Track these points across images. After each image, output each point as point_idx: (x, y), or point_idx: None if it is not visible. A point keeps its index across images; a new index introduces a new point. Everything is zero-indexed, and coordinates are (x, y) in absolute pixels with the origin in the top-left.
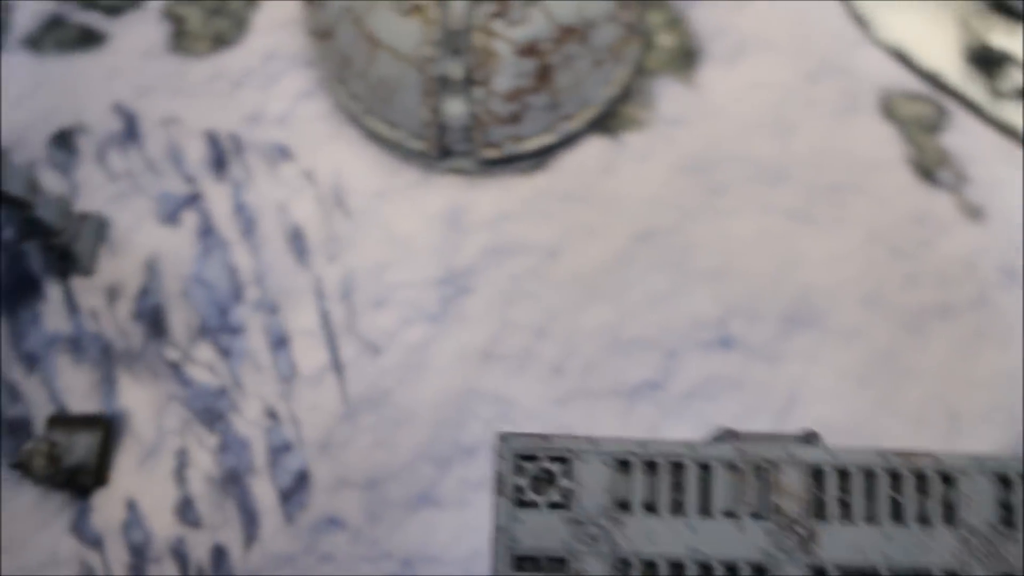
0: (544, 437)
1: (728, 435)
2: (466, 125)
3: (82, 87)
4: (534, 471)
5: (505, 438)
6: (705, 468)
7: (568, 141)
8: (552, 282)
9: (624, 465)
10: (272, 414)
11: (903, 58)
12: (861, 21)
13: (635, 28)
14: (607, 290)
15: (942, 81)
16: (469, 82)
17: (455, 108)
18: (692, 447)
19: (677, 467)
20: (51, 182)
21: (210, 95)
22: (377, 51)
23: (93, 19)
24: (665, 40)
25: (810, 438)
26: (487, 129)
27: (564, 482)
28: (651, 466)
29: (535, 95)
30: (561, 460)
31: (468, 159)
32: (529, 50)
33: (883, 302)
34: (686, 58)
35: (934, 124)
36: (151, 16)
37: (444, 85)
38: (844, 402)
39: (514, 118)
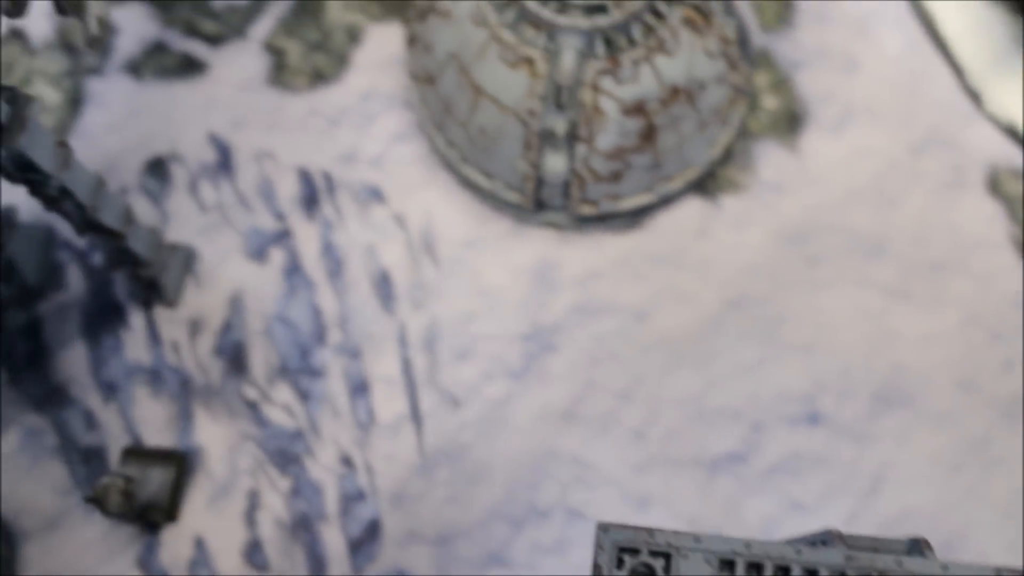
0: (647, 531)
1: (833, 537)
2: (565, 180)
3: (179, 115)
4: (634, 565)
5: (606, 529)
6: (812, 574)
7: (665, 202)
8: (639, 345)
9: (728, 565)
10: (347, 461)
11: (1014, 134)
12: (973, 94)
13: (742, 90)
14: (694, 357)
15: None
16: (572, 138)
17: (556, 163)
18: (800, 551)
19: (783, 570)
20: (142, 209)
21: (305, 131)
22: (480, 100)
23: (195, 48)
24: (769, 102)
25: (919, 546)
26: (585, 186)
27: None
28: (756, 567)
29: (638, 155)
30: (663, 555)
31: (563, 214)
32: (636, 109)
33: (978, 387)
34: (790, 122)
35: None
36: (252, 48)
37: (546, 140)
38: (932, 488)
39: (614, 176)
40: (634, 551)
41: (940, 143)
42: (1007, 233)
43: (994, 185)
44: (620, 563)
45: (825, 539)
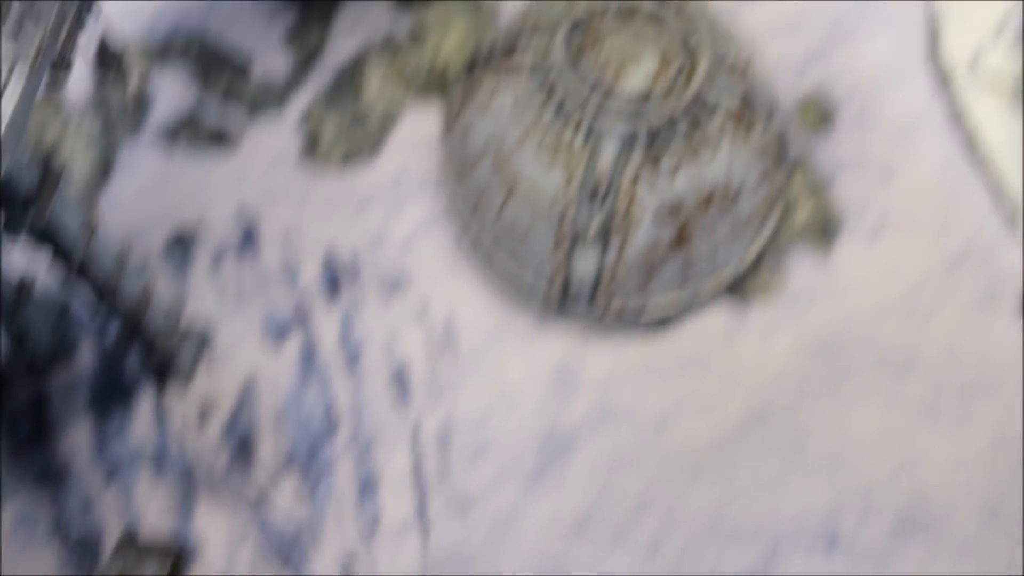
0: None
1: None
2: (594, 280)
3: (208, 188)
4: None
5: None
6: None
7: (693, 306)
8: (658, 454)
9: None
10: (348, 564)
11: None
12: (1011, 214)
13: (778, 196)
14: (714, 469)
15: None
16: (604, 236)
17: (586, 261)
18: None
19: None
20: (163, 282)
21: (335, 211)
22: (515, 192)
23: (230, 119)
24: (804, 208)
25: None
26: (614, 286)
27: None
28: None
29: (669, 257)
30: None
31: (589, 313)
32: (672, 211)
33: (1004, 515)
34: (824, 230)
35: None
36: (287, 123)
37: (578, 237)
38: None
39: (644, 278)
40: None
41: (975, 260)
42: None
43: None
44: None
45: None
